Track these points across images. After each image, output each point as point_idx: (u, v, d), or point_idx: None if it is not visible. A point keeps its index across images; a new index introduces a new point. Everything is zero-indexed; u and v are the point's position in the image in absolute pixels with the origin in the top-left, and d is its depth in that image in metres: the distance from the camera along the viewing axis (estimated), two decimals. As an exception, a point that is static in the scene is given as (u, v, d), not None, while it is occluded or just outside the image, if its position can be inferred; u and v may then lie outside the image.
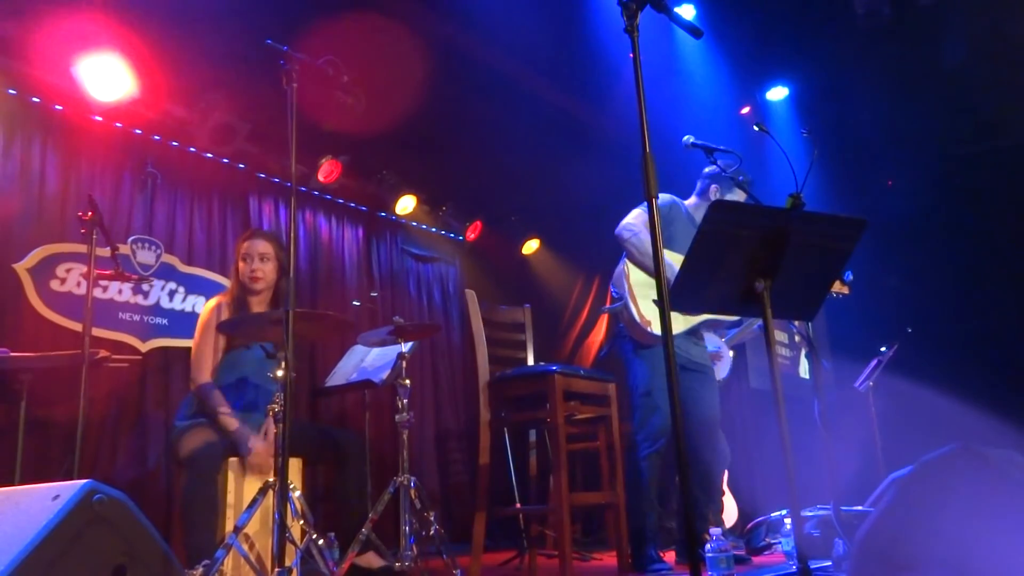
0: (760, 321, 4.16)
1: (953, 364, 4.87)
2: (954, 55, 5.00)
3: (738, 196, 3.58)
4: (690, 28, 1.94)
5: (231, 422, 3.02)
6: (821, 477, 3.23)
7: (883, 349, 4.77)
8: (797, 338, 6.21)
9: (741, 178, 3.15)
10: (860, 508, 3.33)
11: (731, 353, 4.35)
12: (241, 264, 3.29)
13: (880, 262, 4.91)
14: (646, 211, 3.47)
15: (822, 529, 3.23)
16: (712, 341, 4.15)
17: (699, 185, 3.67)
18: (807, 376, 6.48)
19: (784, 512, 3.65)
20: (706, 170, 3.65)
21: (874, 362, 4.78)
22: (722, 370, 4.20)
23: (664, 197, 3.49)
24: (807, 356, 6.06)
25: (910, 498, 1.93)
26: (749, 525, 4.01)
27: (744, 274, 2.21)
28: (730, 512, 4.60)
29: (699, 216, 3.62)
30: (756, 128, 2.71)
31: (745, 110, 5.83)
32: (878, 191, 5.95)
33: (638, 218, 3.42)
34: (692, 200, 3.70)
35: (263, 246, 3.29)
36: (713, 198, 3.56)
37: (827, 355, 5.77)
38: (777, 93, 5.89)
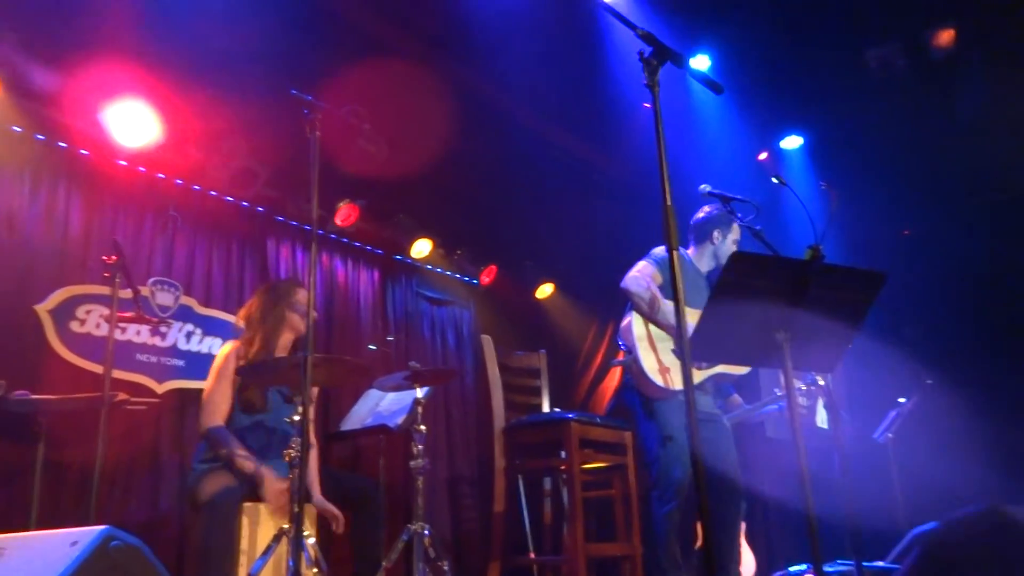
0: (779, 403, 4.15)
1: (975, 416, 4.80)
2: (970, 106, 5.03)
3: (736, 232, 3.60)
4: (710, 84, 1.97)
5: (248, 464, 3.00)
6: (841, 531, 3.18)
7: (902, 400, 4.71)
8: (813, 387, 6.15)
9: (759, 227, 3.16)
10: (882, 564, 3.27)
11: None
12: (291, 313, 3.30)
13: (897, 312, 4.90)
14: (652, 263, 3.51)
15: (843, 585, 3.17)
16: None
17: (692, 236, 3.68)
18: (824, 425, 6.40)
19: (804, 567, 3.58)
20: (695, 217, 3.67)
21: (893, 413, 4.72)
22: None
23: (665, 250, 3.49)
24: (825, 406, 5.99)
25: (937, 558, 1.90)
26: (768, 579, 3.93)
27: (764, 325, 2.21)
28: (747, 565, 4.52)
29: (702, 265, 3.62)
30: (774, 180, 2.73)
31: (763, 156, 5.87)
32: (894, 241, 5.94)
33: (643, 271, 3.43)
34: (691, 250, 3.70)
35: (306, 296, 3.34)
36: (716, 243, 3.57)
37: (844, 405, 5.71)
38: (792, 142, 5.93)
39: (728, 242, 3.61)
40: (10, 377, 3.38)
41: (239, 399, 3.17)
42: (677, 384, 3.27)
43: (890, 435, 4.73)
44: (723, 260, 3.57)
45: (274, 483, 2.95)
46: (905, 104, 5.20)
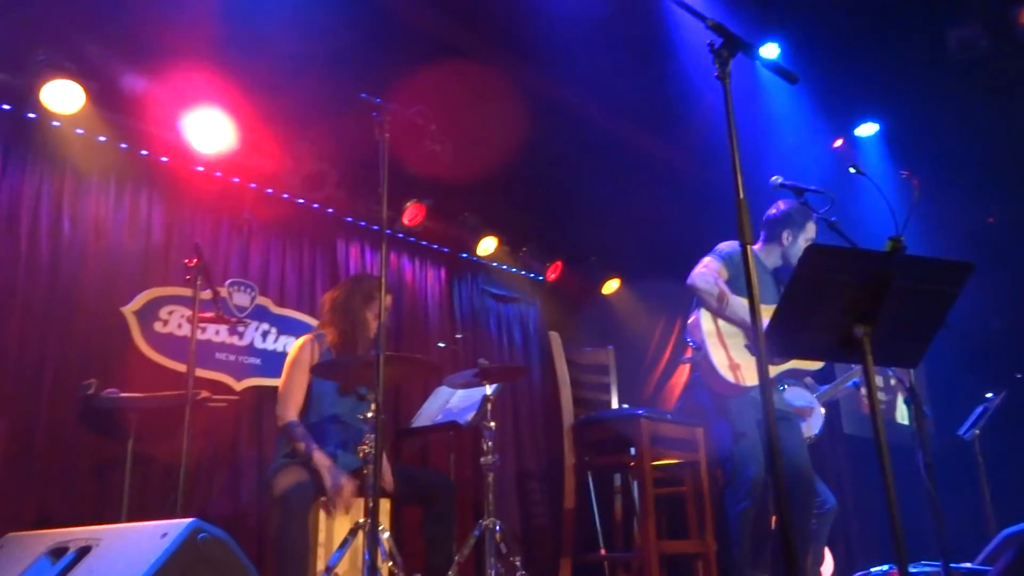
0: (855, 378, 4.02)
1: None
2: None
3: (810, 231, 3.49)
4: (784, 73, 1.92)
5: (322, 458, 3.07)
6: (925, 531, 3.07)
7: (989, 396, 4.52)
8: (893, 381, 5.95)
9: (834, 218, 3.07)
10: (970, 565, 3.13)
11: (822, 410, 4.19)
12: (369, 315, 3.34)
13: (983, 303, 4.69)
14: (717, 259, 3.44)
15: (929, 587, 3.05)
16: (803, 396, 4.01)
17: (763, 232, 3.58)
18: (903, 421, 6.19)
19: (886, 567, 3.47)
20: (768, 213, 3.56)
21: (980, 409, 4.53)
22: (814, 426, 4.05)
23: (736, 244, 3.41)
24: (905, 401, 5.79)
25: (1032, 560, 1.82)
26: (847, 579, 3.82)
27: (842, 320, 2.14)
28: (826, 564, 4.40)
29: (769, 261, 3.53)
30: (852, 170, 2.65)
31: (838, 143, 5.69)
32: (979, 228, 5.69)
33: (709, 266, 3.36)
34: (759, 245, 3.61)
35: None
36: (786, 244, 3.47)
37: (926, 401, 5.51)
38: (867, 129, 5.73)
39: (800, 243, 3.50)
40: (100, 376, 3.55)
41: (316, 396, 3.24)
42: (748, 380, 3.20)
43: (977, 432, 4.53)
44: (792, 260, 3.48)
45: (346, 486, 3.00)
46: (988, 87, 4.96)
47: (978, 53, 4.69)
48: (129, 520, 3.16)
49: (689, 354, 3.45)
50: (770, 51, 4.87)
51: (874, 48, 4.83)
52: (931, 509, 2.87)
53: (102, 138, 3.98)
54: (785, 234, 3.47)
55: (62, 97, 3.66)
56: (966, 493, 4.48)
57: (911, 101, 5.31)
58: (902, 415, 5.94)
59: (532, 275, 6.27)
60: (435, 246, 5.65)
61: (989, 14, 4.72)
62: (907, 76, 5.07)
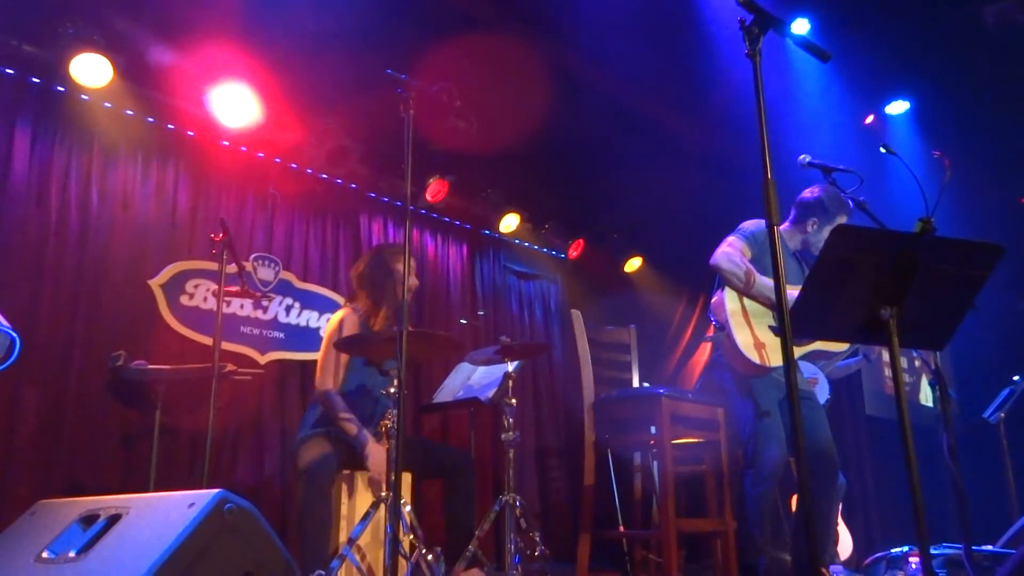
0: (862, 353, 3.99)
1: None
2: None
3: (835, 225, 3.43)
4: (815, 51, 1.88)
5: (351, 427, 3.10)
6: (946, 513, 3.05)
7: (1017, 378, 4.46)
8: (917, 363, 5.90)
9: (862, 198, 3.02)
10: (991, 548, 3.13)
11: (826, 380, 4.18)
12: (396, 282, 3.32)
13: (1013, 285, 4.62)
14: (741, 238, 3.39)
15: (949, 569, 3.05)
16: (807, 368, 3.98)
17: (793, 212, 3.51)
18: (927, 403, 6.14)
19: (907, 548, 3.46)
20: (803, 195, 3.49)
21: (1006, 392, 4.48)
22: (820, 395, 4.04)
23: (760, 223, 3.36)
24: (930, 383, 5.74)
25: (1057, 545, 1.80)
26: (868, 560, 3.82)
27: (868, 301, 2.12)
28: (845, 544, 4.40)
29: (792, 244, 3.49)
30: (882, 149, 2.60)
31: (869, 119, 5.59)
32: (1010, 209, 5.58)
33: (734, 245, 3.32)
34: (785, 226, 3.55)
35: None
36: (810, 231, 3.41)
37: (951, 383, 5.46)
38: (897, 107, 5.63)
39: (824, 233, 3.43)
40: (128, 347, 3.62)
41: (351, 366, 3.25)
42: (773, 360, 3.18)
43: (1002, 415, 4.49)
44: (811, 248, 3.43)
45: (376, 453, 3.03)
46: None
47: (1016, 28, 4.57)
48: (156, 490, 3.22)
49: (711, 333, 3.43)
50: (800, 27, 4.79)
51: (906, 24, 4.73)
52: (954, 491, 2.85)
53: (130, 112, 4.01)
54: (812, 221, 3.40)
55: (90, 71, 3.69)
56: (990, 476, 4.45)
57: (943, 79, 5.21)
58: (926, 396, 5.89)
59: (554, 252, 6.26)
60: (457, 222, 5.66)
61: (1027, -12, 4.60)
62: (939, 53, 4.97)
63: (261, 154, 4.52)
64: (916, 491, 2.02)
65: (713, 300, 3.36)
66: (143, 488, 3.29)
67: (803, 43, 1.90)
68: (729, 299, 3.25)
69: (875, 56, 4.96)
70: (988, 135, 5.24)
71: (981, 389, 4.86)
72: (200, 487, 2.62)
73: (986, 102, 5.12)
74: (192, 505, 2.05)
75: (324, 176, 4.83)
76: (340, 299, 4.60)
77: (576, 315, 3.82)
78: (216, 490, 2.08)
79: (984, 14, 4.54)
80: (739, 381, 3.27)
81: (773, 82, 4.93)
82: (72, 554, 2.12)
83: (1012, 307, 5.05)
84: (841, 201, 3.29)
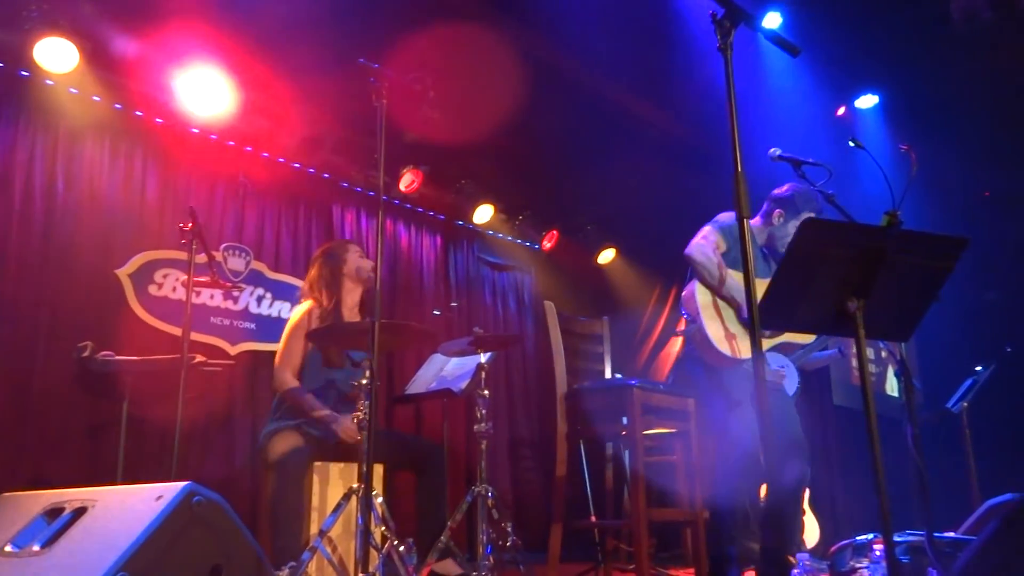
0: (827, 347, 4.05)
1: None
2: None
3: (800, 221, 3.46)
4: (786, 45, 1.90)
5: (321, 413, 3.10)
6: (910, 501, 3.11)
7: (979, 369, 4.56)
8: (884, 354, 5.99)
9: (831, 191, 3.05)
10: (953, 535, 3.19)
11: (795, 371, 4.23)
12: (345, 273, 3.39)
13: (977, 276, 4.71)
14: (715, 229, 3.42)
15: (913, 556, 3.11)
16: (777, 359, 4.03)
17: (764, 206, 3.55)
18: (893, 393, 6.24)
19: (871, 536, 3.52)
20: (776, 191, 3.53)
21: (969, 382, 4.57)
22: (789, 386, 4.09)
23: (731, 217, 3.39)
24: (896, 374, 5.84)
25: (1016, 530, 1.85)
26: (833, 548, 3.89)
27: (836, 293, 2.15)
28: (811, 532, 4.47)
29: (760, 238, 3.52)
30: (851, 143, 2.63)
31: (840, 111, 5.65)
32: (975, 202, 5.69)
33: (707, 237, 3.34)
34: (756, 220, 3.59)
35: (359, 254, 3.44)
36: (775, 223, 3.45)
37: (916, 373, 5.56)
38: (867, 101, 5.70)
39: (789, 228, 3.47)
40: (94, 338, 3.56)
41: (323, 354, 3.26)
42: (744, 352, 3.21)
43: (965, 405, 4.58)
44: (776, 243, 3.46)
45: (345, 420, 3.05)
46: (990, 59, 4.92)
47: (981, 24, 4.65)
48: (124, 482, 3.18)
49: (682, 326, 3.45)
50: (772, 20, 4.82)
51: (875, 19, 4.78)
52: (917, 480, 2.91)
53: (96, 98, 3.93)
54: (777, 213, 3.44)
55: (56, 55, 3.61)
56: (953, 465, 4.54)
57: (911, 73, 5.28)
58: (892, 387, 5.99)
59: (528, 244, 6.26)
60: (431, 213, 5.64)
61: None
62: (907, 48, 5.04)
63: (232, 142, 4.46)
64: (880, 479, 2.06)
65: (684, 292, 3.38)
66: (111, 481, 3.25)
67: (773, 38, 1.91)
68: (699, 291, 3.27)
69: (845, 50, 5.02)
70: (954, 129, 5.32)
71: (946, 379, 4.95)
72: (169, 479, 2.59)
73: (952, 96, 5.20)
74: (160, 498, 2.02)
75: (296, 165, 4.78)
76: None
77: (549, 306, 3.83)
78: (185, 482, 2.06)
79: (951, 9, 4.61)
80: (710, 373, 3.30)
81: (746, 74, 4.97)
82: (36, 547, 2.09)
83: (976, 299, 5.15)
84: (811, 199, 3.33)
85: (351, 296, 3.44)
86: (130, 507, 2.05)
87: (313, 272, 3.47)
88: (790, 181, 3.40)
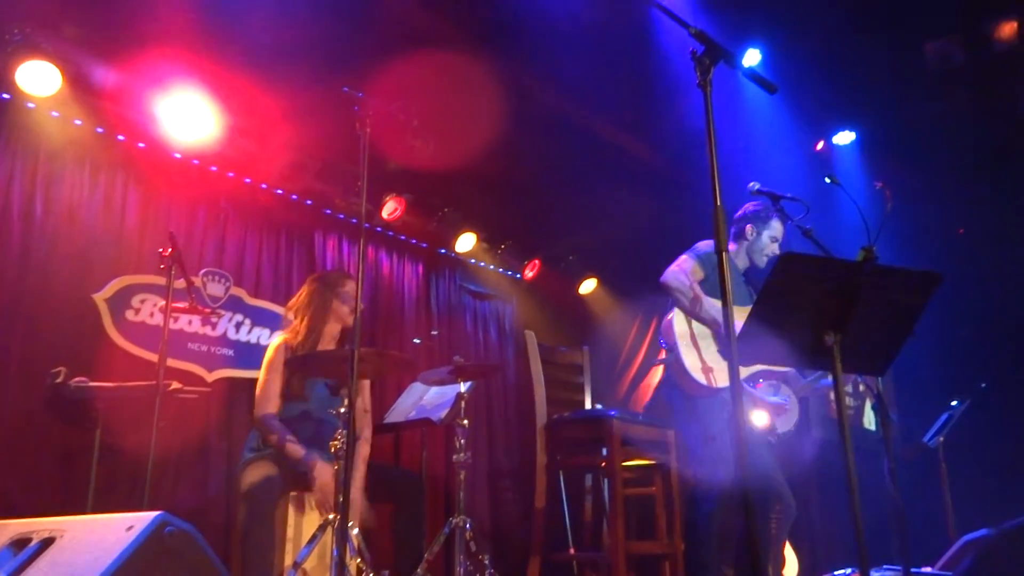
0: (826, 378, 4.06)
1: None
2: (1031, 102, 4.88)
3: (775, 230, 3.51)
4: (764, 83, 1.94)
5: (297, 450, 3.06)
6: (887, 535, 3.11)
7: (954, 403, 4.60)
8: (862, 387, 6.03)
9: (809, 225, 3.10)
10: (930, 570, 3.19)
11: (796, 407, 4.23)
12: (339, 304, 3.36)
13: (952, 312, 4.77)
14: (692, 257, 3.46)
15: (890, 591, 3.10)
16: (778, 391, 4.04)
17: (732, 230, 3.60)
18: (871, 427, 6.27)
19: (849, 570, 3.52)
20: (737, 215, 3.60)
21: (944, 417, 4.61)
22: (788, 421, 4.09)
23: (709, 244, 3.44)
24: (873, 407, 5.88)
25: (991, 565, 1.86)
26: (811, 582, 3.88)
27: (813, 327, 2.18)
28: (790, 566, 4.46)
29: (740, 262, 3.57)
30: (827, 180, 2.68)
31: (819, 145, 5.76)
32: (950, 239, 5.78)
33: (683, 265, 3.38)
34: (732, 246, 3.64)
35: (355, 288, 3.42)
36: (749, 238, 3.50)
37: (893, 407, 5.59)
38: (844, 137, 5.80)
39: (764, 239, 3.52)
40: (69, 363, 3.50)
41: (289, 391, 3.23)
42: (720, 382, 3.23)
43: (941, 439, 4.62)
44: (755, 257, 3.51)
45: (324, 474, 2.98)
46: (964, 100, 5.05)
47: (955, 66, 4.77)
48: (95, 512, 3.12)
49: (662, 355, 3.47)
50: (751, 57, 4.92)
51: (853, 58, 4.89)
52: (894, 514, 2.92)
53: (78, 122, 3.92)
54: (749, 228, 3.50)
55: (38, 79, 3.59)
56: (929, 499, 4.56)
57: (888, 112, 5.39)
58: (869, 421, 6.01)
59: (510, 273, 6.27)
60: (413, 241, 5.64)
61: (966, 28, 4.80)
62: (883, 87, 5.15)
63: (214, 167, 4.45)
64: (857, 514, 2.07)
65: (664, 321, 3.40)
66: (81, 510, 3.18)
67: (751, 75, 1.95)
68: (678, 321, 3.30)
69: (823, 87, 5.11)
70: (930, 167, 5.42)
71: (923, 414, 4.99)
72: (141, 509, 2.54)
73: (928, 135, 5.31)
74: (131, 528, 1.98)
75: (279, 191, 4.78)
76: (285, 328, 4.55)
77: (530, 336, 3.84)
78: (156, 512, 2.02)
79: (926, 51, 4.72)
80: (687, 403, 3.31)
81: (726, 108, 5.05)
82: (1, 579, 2.04)
83: (950, 333, 5.21)
84: (768, 206, 3.39)
85: (332, 329, 3.41)
86: (100, 538, 2.01)
87: (303, 297, 3.43)
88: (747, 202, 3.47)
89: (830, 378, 4.21)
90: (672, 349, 3.26)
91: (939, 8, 4.63)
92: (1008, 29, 4.69)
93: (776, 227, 3.53)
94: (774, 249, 3.56)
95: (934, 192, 5.42)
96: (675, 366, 3.27)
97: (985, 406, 4.67)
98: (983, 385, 4.62)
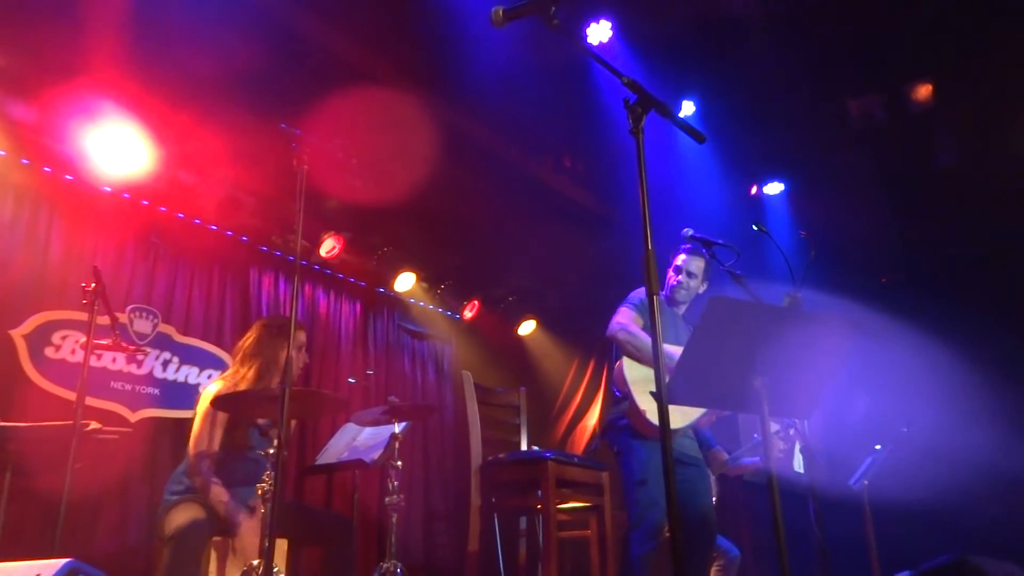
0: (758, 455, 4.17)
1: (949, 468, 4.84)
2: (945, 158, 5.16)
3: (698, 264, 3.60)
4: (693, 133, 2.00)
5: (221, 492, 2.95)
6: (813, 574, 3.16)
7: (877, 447, 4.74)
8: (792, 431, 6.15)
9: (739, 271, 3.19)
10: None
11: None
12: (294, 352, 3.25)
13: (874, 359, 4.94)
14: (631, 308, 3.54)
15: (818, 632, 3.14)
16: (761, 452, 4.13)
17: (664, 277, 3.71)
18: (799, 469, 6.39)
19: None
20: (673, 261, 3.70)
21: (869, 460, 4.74)
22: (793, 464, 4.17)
23: (642, 292, 3.52)
24: (802, 451, 6.01)
25: (909, 607, 1.90)
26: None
27: (742, 370, 2.23)
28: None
29: (680, 304, 3.66)
30: (755, 228, 2.77)
31: (753, 190, 5.97)
32: (875, 286, 6.01)
33: (626, 315, 3.46)
34: (664, 292, 3.73)
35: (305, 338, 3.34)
36: (680, 264, 3.59)
37: (820, 450, 5.73)
38: (774, 188, 6.04)
39: (681, 277, 3.61)
40: (-19, 402, 3.33)
41: (226, 440, 3.12)
42: (676, 423, 3.27)
43: (866, 482, 4.74)
44: (675, 295, 3.59)
45: (248, 534, 2.88)
46: (884, 154, 5.31)
47: (876, 124, 5.03)
48: (1, 559, 2.94)
49: (616, 403, 3.50)
50: (686, 108, 5.09)
51: (782, 114, 5.12)
52: (819, 555, 2.97)
53: (2, 152, 3.79)
54: (672, 270, 3.60)
55: (-41, 106, 3.48)
56: (853, 540, 4.65)
57: (815, 164, 5.64)
58: (798, 464, 6.13)
59: (449, 313, 6.26)
60: (352, 279, 5.58)
61: (886, 88, 5.08)
62: (810, 142, 5.40)
63: (146, 202, 4.35)
64: (782, 556, 2.10)
65: (614, 372, 3.44)
66: (-14, 557, 2.99)
67: (681, 125, 2.01)
68: (628, 368, 3.35)
69: (753, 140, 5.32)
70: (856, 216, 5.66)
71: (848, 457, 5.11)
72: (52, 555, 2.41)
73: (850, 187, 5.56)
74: (38, 576, 1.88)
75: (213, 227, 4.68)
76: (224, 354, 4.42)
77: (467, 376, 3.82)
78: (65, 560, 1.92)
79: (848, 109, 4.97)
80: (632, 439, 3.34)
81: (661, 154, 5.21)
82: None
83: (872, 380, 5.39)
84: (697, 250, 3.47)
85: (275, 378, 3.29)
86: (3, 587, 1.90)
87: (251, 342, 3.30)
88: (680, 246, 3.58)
89: (748, 459, 4.33)
90: (627, 396, 3.30)
91: (862, 69, 4.90)
92: (924, 91, 4.98)
93: (694, 263, 3.61)
94: (702, 288, 3.65)
95: (858, 241, 5.65)
96: (631, 410, 3.31)
97: (907, 450, 4.82)
98: (904, 430, 4.78)
